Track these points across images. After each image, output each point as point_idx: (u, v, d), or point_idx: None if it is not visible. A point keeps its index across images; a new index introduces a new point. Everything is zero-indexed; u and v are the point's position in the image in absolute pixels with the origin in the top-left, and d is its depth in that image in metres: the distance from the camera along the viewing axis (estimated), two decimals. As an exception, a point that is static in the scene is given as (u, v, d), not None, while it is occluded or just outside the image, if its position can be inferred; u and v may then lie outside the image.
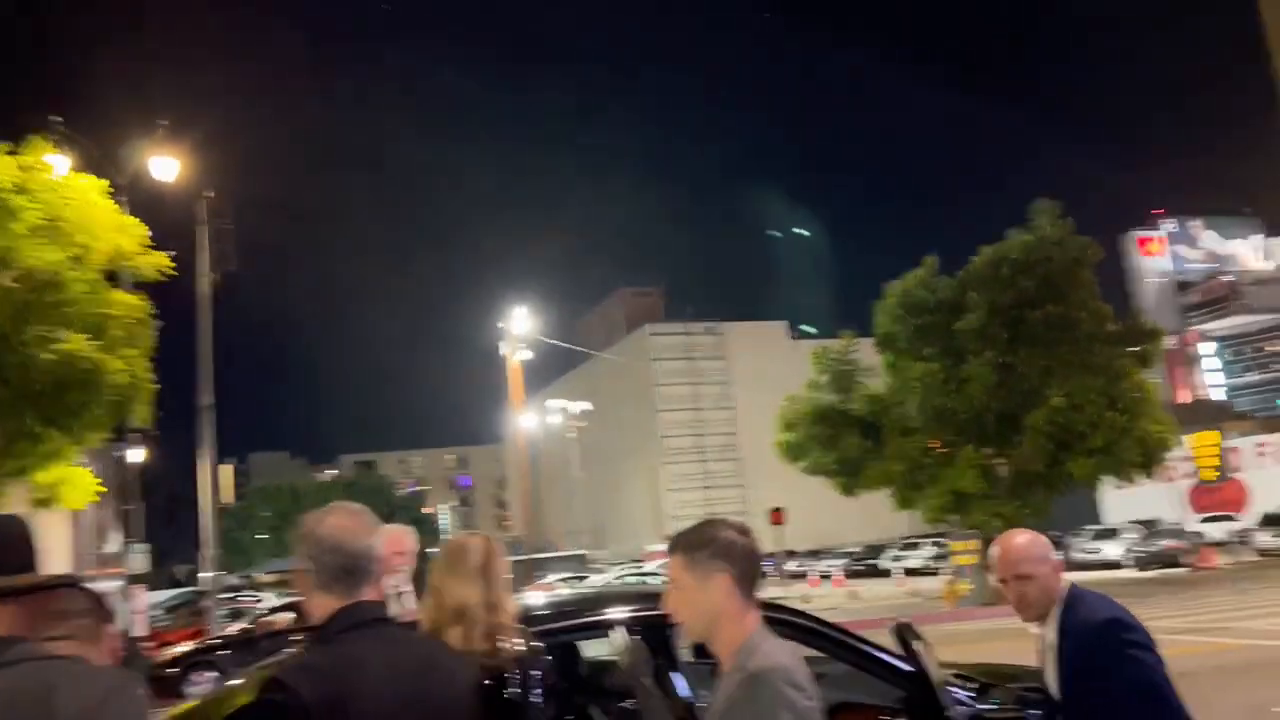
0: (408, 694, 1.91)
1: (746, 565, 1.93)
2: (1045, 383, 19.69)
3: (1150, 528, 33.65)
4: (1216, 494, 41.61)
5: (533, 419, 37.27)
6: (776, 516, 22.25)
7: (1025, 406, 19.73)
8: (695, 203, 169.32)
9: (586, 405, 32.70)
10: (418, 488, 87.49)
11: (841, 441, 21.17)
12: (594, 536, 61.27)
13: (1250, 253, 69.31)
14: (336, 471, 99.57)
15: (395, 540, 4.93)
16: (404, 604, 4.73)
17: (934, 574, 29.16)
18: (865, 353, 23.22)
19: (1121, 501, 37.77)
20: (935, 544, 40.07)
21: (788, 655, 1.87)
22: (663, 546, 45.10)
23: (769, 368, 64.58)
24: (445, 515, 75.72)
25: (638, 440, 65.71)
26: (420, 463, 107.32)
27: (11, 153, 13.46)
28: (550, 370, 67.60)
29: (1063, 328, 19.89)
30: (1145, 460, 20.05)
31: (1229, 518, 37.08)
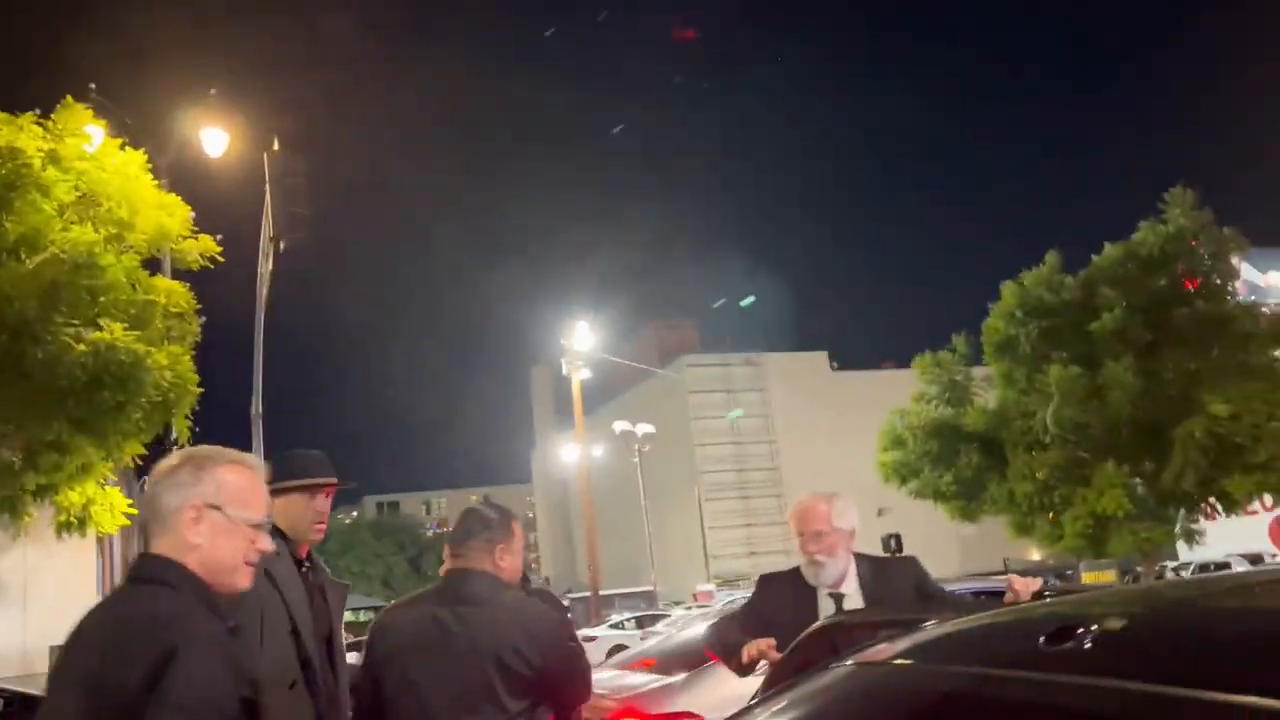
0: None
1: None
2: (1194, 389, 17.42)
3: (1257, 564, 31.08)
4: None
5: (574, 452, 35.06)
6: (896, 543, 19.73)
7: (1171, 416, 17.45)
8: (733, 233, 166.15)
9: (648, 427, 30.38)
10: (440, 529, 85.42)
11: (958, 460, 18.92)
12: (630, 576, 58.72)
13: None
14: (356, 513, 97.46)
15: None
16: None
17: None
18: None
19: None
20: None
21: None
22: (710, 587, 42.60)
23: (810, 400, 62.38)
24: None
25: (676, 476, 63.37)
26: (445, 504, 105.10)
27: (41, 120, 11.67)
28: (570, 413, 65.42)
29: (1216, 326, 17.67)
30: (1309, 479, 17.70)
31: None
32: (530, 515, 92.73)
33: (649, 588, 34.67)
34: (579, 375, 26.21)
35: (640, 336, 76.36)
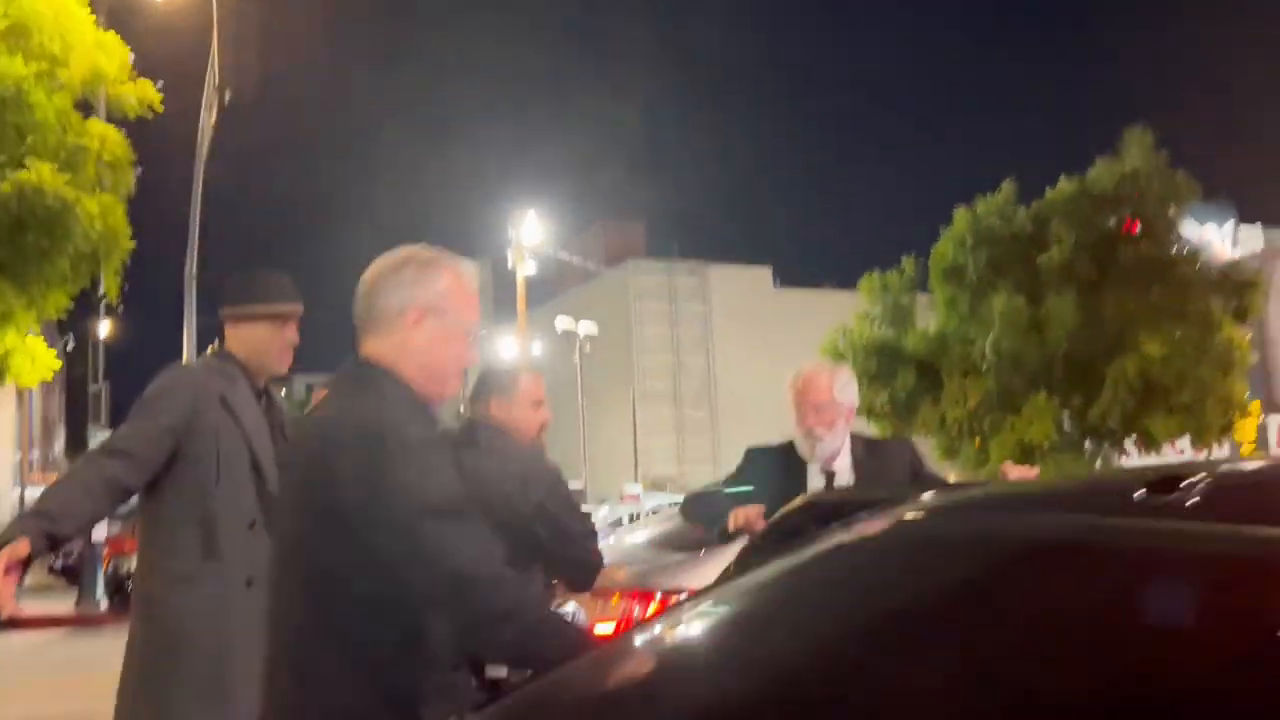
0: None
1: None
2: (1130, 329, 17.77)
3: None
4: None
5: (512, 347, 34.75)
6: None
7: (1106, 354, 17.82)
8: (688, 133, 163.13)
9: (591, 327, 30.18)
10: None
11: (895, 380, 19.16)
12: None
13: (1219, 240, 67.53)
14: (285, 391, 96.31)
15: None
16: None
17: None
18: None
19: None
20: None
21: None
22: (637, 489, 42.95)
23: (751, 315, 62.60)
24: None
25: (611, 380, 63.58)
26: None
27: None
28: (510, 307, 64.85)
29: (1159, 269, 17.95)
30: (1227, 425, 18.34)
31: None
32: (461, 409, 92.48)
33: (579, 485, 34.92)
34: (525, 269, 25.76)
35: (587, 234, 75.56)
